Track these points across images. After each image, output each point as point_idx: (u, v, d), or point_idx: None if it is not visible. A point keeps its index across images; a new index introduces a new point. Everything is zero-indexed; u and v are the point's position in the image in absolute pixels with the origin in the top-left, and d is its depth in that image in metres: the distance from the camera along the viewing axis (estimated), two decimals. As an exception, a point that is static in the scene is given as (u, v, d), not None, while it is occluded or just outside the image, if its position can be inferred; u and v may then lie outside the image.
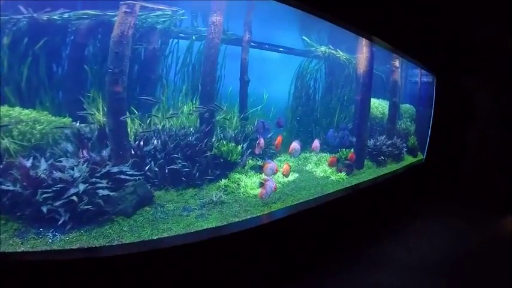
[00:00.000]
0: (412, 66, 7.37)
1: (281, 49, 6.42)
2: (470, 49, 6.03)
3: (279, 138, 4.38)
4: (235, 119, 4.80)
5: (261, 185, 3.64)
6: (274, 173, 3.87)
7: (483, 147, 6.11)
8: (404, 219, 4.69)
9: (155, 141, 3.63)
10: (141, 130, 3.68)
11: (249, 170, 4.35)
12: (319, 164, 5.26)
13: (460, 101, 6.26)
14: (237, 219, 3.06)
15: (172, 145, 3.66)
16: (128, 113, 3.37)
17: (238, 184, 3.90)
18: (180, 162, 3.57)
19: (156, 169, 3.50)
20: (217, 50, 4.09)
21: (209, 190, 3.63)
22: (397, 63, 6.42)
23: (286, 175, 4.03)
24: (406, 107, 7.85)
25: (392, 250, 3.71)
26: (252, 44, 5.37)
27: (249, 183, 3.92)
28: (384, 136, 6.16)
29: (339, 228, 3.98)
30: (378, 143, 5.85)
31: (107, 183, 2.83)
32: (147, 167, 3.44)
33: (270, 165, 3.76)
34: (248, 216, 3.16)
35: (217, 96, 4.88)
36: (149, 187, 3.17)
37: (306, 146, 5.44)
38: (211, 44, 4.07)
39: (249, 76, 4.93)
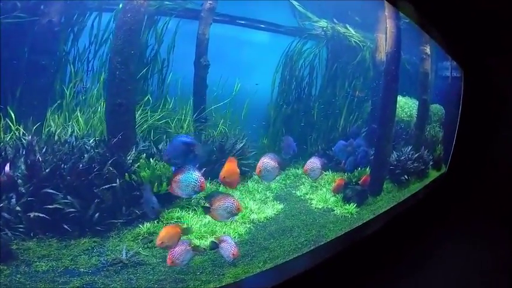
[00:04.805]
0: (442, 57, 6.54)
1: (262, 25, 5.15)
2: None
3: (231, 166, 2.37)
4: (188, 120, 3.46)
5: (214, 246, 2.23)
6: (234, 215, 2.34)
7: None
8: (422, 251, 3.73)
9: (21, 165, 2.29)
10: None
11: (202, 202, 2.99)
12: (316, 188, 4.06)
13: (493, 102, 5.59)
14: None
15: (48, 170, 2.30)
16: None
17: (174, 229, 2.60)
18: (61, 199, 2.23)
19: (19, 209, 2.18)
20: (140, 14, 2.75)
21: (121, 240, 2.51)
22: (427, 49, 5.35)
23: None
24: (436, 108, 6.89)
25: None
26: (220, 17, 4.23)
27: (196, 226, 2.74)
28: (410, 147, 5.01)
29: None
30: (402, 157, 4.68)
31: None
32: (-2, 206, 2.14)
33: (226, 202, 2.25)
34: (178, 296, 2.03)
35: (162, 89, 3.61)
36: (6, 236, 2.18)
37: (295, 160, 4.46)
38: (128, 7, 2.73)
39: (209, 59, 3.66)
